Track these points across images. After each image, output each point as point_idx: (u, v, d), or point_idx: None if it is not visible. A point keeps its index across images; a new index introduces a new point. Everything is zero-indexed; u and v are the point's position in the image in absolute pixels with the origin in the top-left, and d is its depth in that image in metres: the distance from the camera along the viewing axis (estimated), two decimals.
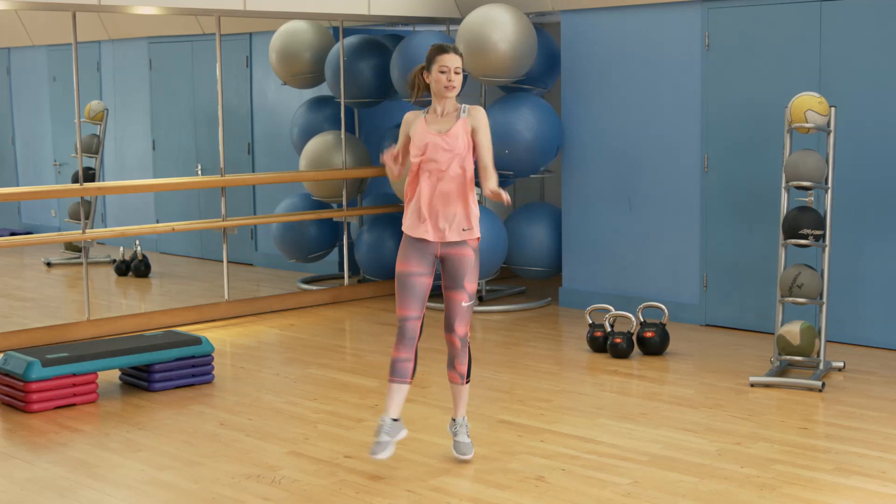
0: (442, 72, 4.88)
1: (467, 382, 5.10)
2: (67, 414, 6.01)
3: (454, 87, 4.89)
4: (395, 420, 4.98)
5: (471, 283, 4.97)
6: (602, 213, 8.61)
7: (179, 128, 11.39)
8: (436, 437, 5.48)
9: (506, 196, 4.74)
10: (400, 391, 4.97)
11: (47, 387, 6.03)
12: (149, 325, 8.09)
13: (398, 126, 9.71)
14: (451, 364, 5.07)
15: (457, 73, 4.88)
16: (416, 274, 4.92)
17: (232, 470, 5.05)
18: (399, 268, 4.96)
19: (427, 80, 4.94)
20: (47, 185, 11.33)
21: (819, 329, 6.56)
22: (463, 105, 4.98)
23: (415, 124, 4.97)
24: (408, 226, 4.96)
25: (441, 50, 4.90)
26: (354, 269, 9.73)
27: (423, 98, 5.05)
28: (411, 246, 4.95)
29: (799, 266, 6.58)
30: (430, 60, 4.90)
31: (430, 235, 4.92)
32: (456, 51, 4.92)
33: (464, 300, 4.95)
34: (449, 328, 5.00)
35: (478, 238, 4.98)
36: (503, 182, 9.32)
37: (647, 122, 8.29)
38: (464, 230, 4.92)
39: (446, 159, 4.88)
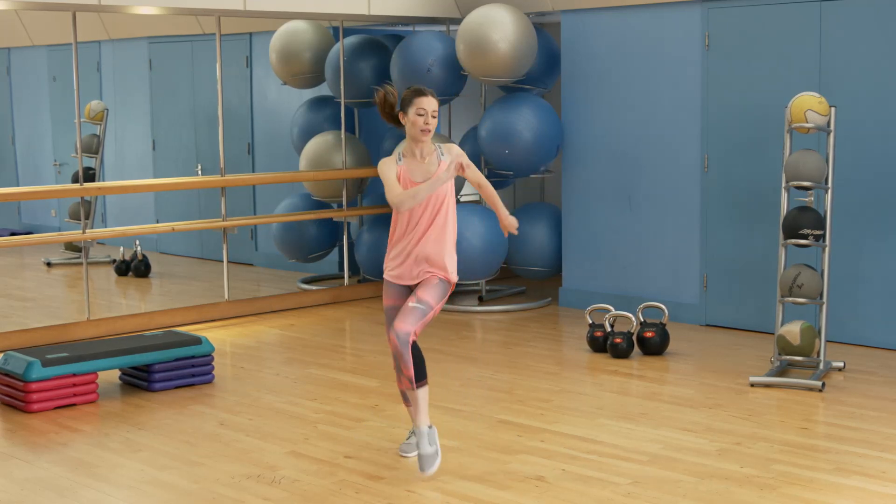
0: (419, 114, 4.86)
1: (419, 387, 4.90)
2: (67, 414, 6.01)
3: (429, 131, 4.88)
4: (430, 427, 4.97)
5: (425, 294, 4.89)
6: (602, 213, 8.61)
7: (179, 128, 11.39)
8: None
9: (514, 224, 5.07)
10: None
11: (47, 387, 6.03)
12: (149, 325, 8.09)
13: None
14: (398, 369, 4.90)
15: (433, 116, 4.87)
16: (395, 307, 5.00)
17: (232, 470, 5.05)
18: (385, 303, 5.04)
19: (403, 121, 4.93)
20: (47, 185, 11.33)
21: (819, 329, 6.56)
22: (437, 145, 4.96)
23: (392, 170, 4.91)
24: (389, 270, 5.00)
25: (419, 93, 4.88)
26: (354, 269, 9.73)
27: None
28: (392, 285, 5.02)
29: (799, 266, 6.58)
30: (408, 103, 4.88)
31: (406, 281, 4.96)
32: (433, 94, 4.92)
33: (412, 301, 4.88)
34: (390, 326, 4.90)
35: (452, 280, 5.00)
36: (503, 182, 9.34)
37: (647, 122, 8.29)
38: (438, 272, 4.94)
39: (431, 205, 4.89)
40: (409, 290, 5.00)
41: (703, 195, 8.00)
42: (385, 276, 5.05)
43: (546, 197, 10.30)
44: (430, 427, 4.96)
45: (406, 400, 5.03)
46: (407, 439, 5.28)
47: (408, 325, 4.81)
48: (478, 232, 8.41)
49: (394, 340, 4.81)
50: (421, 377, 4.90)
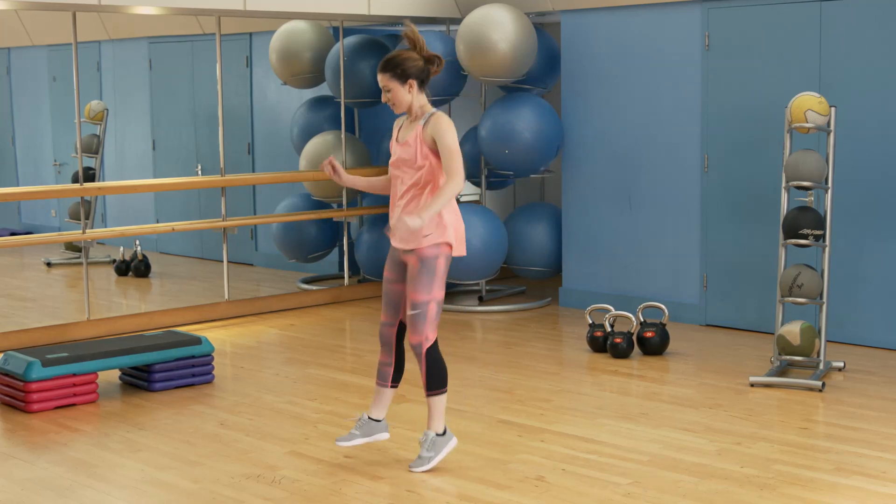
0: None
1: (430, 395, 4.91)
2: (67, 414, 6.01)
3: (393, 105, 4.82)
4: (374, 420, 5.07)
5: (416, 292, 4.81)
6: (602, 213, 8.61)
7: (179, 128, 11.39)
8: None
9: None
10: (381, 394, 5.06)
11: (47, 387, 6.03)
12: (149, 325, 8.09)
13: None
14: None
15: (387, 90, 4.77)
16: (390, 280, 5.00)
17: (232, 470, 5.05)
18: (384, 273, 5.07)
19: None
20: (47, 185, 11.33)
21: (819, 329, 6.56)
22: (427, 112, 4.84)
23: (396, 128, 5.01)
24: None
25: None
26: (354, 269, 9.73)
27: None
28: (390, 250, 5.02)
29: (799, 266, 6.58)
30: None
31: (392, 239, 4.95)
32: (385, 67, 4.75)
33: (409, 308, 4.86)
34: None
35: (431, 246, 4.79)
36: (502, 182, 9.34)
37: (647, 122, 8.29)
38: (412, 239, 4.81)
39: (404, 168, 4.84)
40: (398, 260, 4.93)
41: (703, 195, 8.00)
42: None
43: (546, 197, 10.30)
44: (440, 434, 4.98)
45: (378, 378, 5.05)
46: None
47: (417, 336, 4.86)
48: (478, 232, 8.41)
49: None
50: (436, 386, 4.90)
